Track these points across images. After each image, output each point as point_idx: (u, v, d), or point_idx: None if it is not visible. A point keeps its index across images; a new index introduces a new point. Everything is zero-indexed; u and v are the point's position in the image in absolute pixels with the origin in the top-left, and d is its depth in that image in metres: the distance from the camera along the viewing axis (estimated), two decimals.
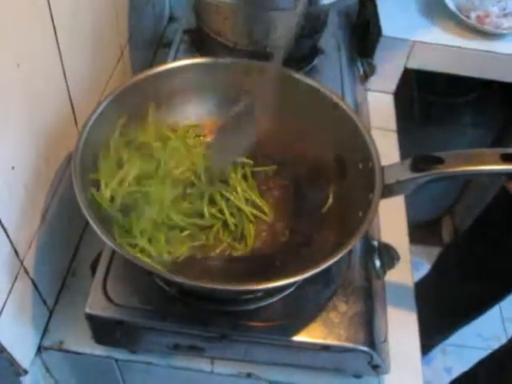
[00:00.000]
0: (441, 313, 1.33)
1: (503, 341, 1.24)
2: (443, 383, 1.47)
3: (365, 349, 0.64)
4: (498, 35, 1.06)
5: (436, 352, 1.56)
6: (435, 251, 1.41)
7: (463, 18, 1.05)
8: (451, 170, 0.56)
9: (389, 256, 0.75)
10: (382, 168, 0.61)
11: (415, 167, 0.57)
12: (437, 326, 1.39)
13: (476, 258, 1.17)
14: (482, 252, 1.15)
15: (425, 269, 1.41)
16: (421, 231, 1.68)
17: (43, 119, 0.64)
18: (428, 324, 1.29)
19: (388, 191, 0.60)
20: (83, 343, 0.72)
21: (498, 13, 1.06)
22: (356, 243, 0.56)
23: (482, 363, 1.30)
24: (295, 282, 0.59)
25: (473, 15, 1.06)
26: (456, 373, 1.43)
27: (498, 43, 1.05)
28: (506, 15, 1.06)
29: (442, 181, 0.57)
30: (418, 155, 0.58)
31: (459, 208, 1.76)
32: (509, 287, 1.18)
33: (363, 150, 0.64)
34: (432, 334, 1.42)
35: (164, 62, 0.73)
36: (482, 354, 1.29)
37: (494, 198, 1.11)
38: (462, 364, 1.38)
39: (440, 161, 0.56)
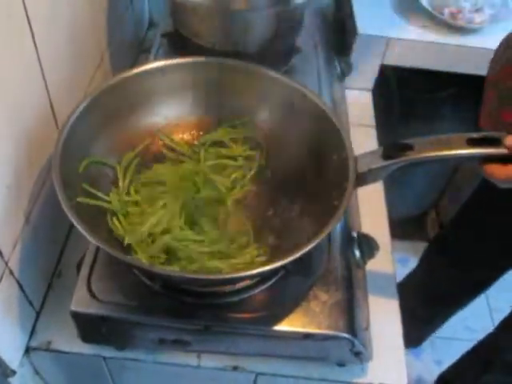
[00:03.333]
0: (430, 303, 1.35)
1: None
2: (434, 375, 1.49)
3: (345, 336, 0.66)
4: (471, 30, 1.08)
5: (425, 345, 1.57)
6: (421, 246, 1.42)
7: (436, 14, 1.08)
8: (420, 155, 0.57)
9: (369, 246, 0.77)
10: (355, 158, 0.63)
11: (386, 155, 0.59)
12: (427, 316, 1.41)
13: (462, 245, 1.19)
14: (468, 240, 1.16)
15: (411, 264, 1.43)
16: (406, 227, 1.71)
17: (24, 122, 0.65)
18: (417, 315, 1.31)
19: (362, 179, 0.62)
20: (71, 343, 0.73)
21: (470, 8, 1.09)
22: (331, 230, 0.57)
23: (469, 354, 1.32)
24: (274, 270, 0.60)
25: (446, 11, 1.09)
26: (446, 365, 1.44)
27: (470, 38, 1.08)
28: (477, 10, 1.09)
29: (412, 167, 0.59)
30: (388, 143, 0.60)
31: (444, 203, 1.78)
32: (495, 273, 1.20)
33: (337, 142, 0.66)
34: (423, 324, 1.44)
35: (139, 63, 0.74)
36: (471, 345, 1.31)
37: (478, 186, 1.13)
38: (452, 356, 1.40)
39: (410, 147, 0.58)
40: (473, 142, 0.55)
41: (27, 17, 0.61)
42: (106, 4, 0.93)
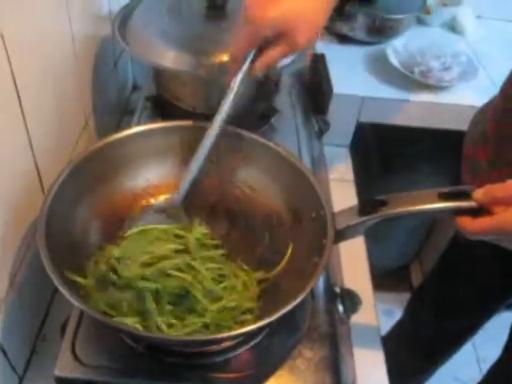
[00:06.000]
0: (417, 354, 1.35)
1: None
2: None
3: None
4: (441, 87, 1.14)
5: None
6: (406, 297, 1.43)
7: (407, 73, 1.13)
8: (394, 211, 0.59)
9: (352, 301, 0.78)
10: (333, 215, 0.65)
11: (362, 211, 0.61)
12: (414, 368, 1.40)
13: (441, 296, 1.20)
14: (446, 289, 1.18)
15: (397, 315, 1.43)
16: (391, 278, 1.72)
17: (10, 187, 0.66)
18: (406, 367, 1.30)
19: (340, 236, 0.63)
20: None
21: (439, 67, 1.15)
22: (312, 287, 0.59)
23: None
24: (257, 330, 0.61)
25: (416, 70, 1.15)
26: None
27: (441, 95, 1.14)
28: (446, 69, 1.15)
29: (388, 221, 0.61)
30: (363, 200, 0.62)
31: (426, 252, 1.80)
32: (475, 322, 1.21)
33: (315, 200, 0.68)
34: (410, 377, 1.43)
35: (122, 128, 0.77)
36: None
37: (453, 237, 1.15)
38: None
39: (384, 203, 0.60)
40: (444, 196, 0.58)
41: (16, 87, 0.64)
42: (91, 71, 0.97)
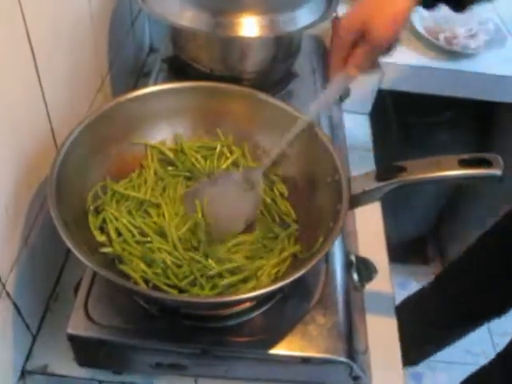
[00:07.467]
0: (437, 326, 1.34)
1: (492, 356, 1.24)
2: None
3: (344, 360, 0.65)
4: (466, 55, 1.10)
5: (425, 369, 1.55)
6: (421, 270, 1.42)
7: (432, 39, 1.10)
8: (413, 177, 0.58)
9: (367, 269, 0.77)
10: (349, 179, 0.63)
11: (380, 177, 0.60)
12: (430, 338, 1.39)
13: (478, 274, 1.18)
14: (484, 268, 1.17)
15: (411, 287, 1.42)
16: (406, 250, 1.71)
17: (24, 146, 0.66)
18: (420, 336, 1.29)
19: (356, 201, 0.62)
20: (68, 366, 0.72)
21: (465, 34, 1.11)
22: (326, 251, 0.58)
23: (469, 379, 1.30)
24: (270, 293, 0.60)
25: (441, 36, 1.11)
26: None
27: (466, 62, 1.10)
28: (472, 36, 1.11)
29: (405, 188, 0.59)
30: (382, 165, 0.60)
31: (443, 226, 1.78)
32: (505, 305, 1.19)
33: (330, 165, 0.67)
34: (424, 346, 1.42)
35: (135, 88, 0.76)
36: (472, 370, 1.30)
37: (500, 219, 1.13)
38: (452, 381, 1.39)
39: (403, 169, 0.59)
40: (464, 163, 0.56)
41: (30, 44, 0.63)
42: (107, 30, 0.95)
